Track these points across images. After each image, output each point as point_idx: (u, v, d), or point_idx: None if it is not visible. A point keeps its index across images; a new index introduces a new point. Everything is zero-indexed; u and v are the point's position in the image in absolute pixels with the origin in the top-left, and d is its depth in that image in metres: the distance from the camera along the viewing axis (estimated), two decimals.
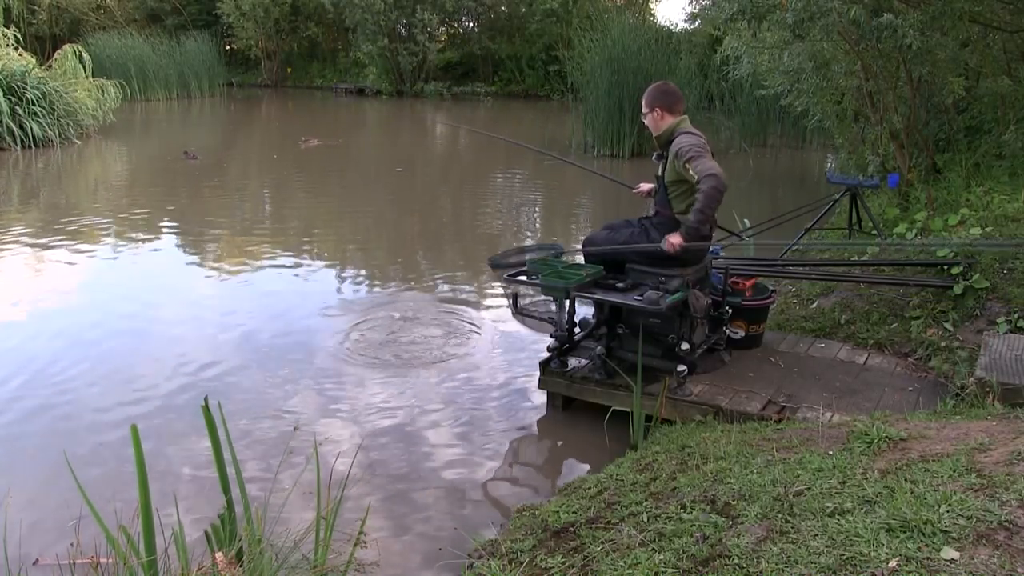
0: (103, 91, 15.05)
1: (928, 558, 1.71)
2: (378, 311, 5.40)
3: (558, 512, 2.59)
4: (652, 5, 27.18)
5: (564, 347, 3.89)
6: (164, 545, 1.99)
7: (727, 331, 4.06)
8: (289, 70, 30.59)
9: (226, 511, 2.13)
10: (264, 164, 13.03)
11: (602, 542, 2.25)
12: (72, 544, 2.18)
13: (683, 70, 13.47)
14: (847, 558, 1.78)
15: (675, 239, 3.43)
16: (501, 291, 5.38)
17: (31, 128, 12.60)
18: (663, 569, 1.98)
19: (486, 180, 11.77)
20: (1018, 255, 4.24)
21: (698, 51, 15.59)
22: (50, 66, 14.51)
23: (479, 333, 5.02)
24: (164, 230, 7.96)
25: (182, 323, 5.17)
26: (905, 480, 2.12)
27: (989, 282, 4.11)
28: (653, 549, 2.10)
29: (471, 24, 28.41)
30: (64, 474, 2.35)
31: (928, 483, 2.07)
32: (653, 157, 3.86)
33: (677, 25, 21.96)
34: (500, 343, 4.85)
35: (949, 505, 1.90)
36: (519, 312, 4.02)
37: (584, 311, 4.35)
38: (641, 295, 3.48)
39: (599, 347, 3.79)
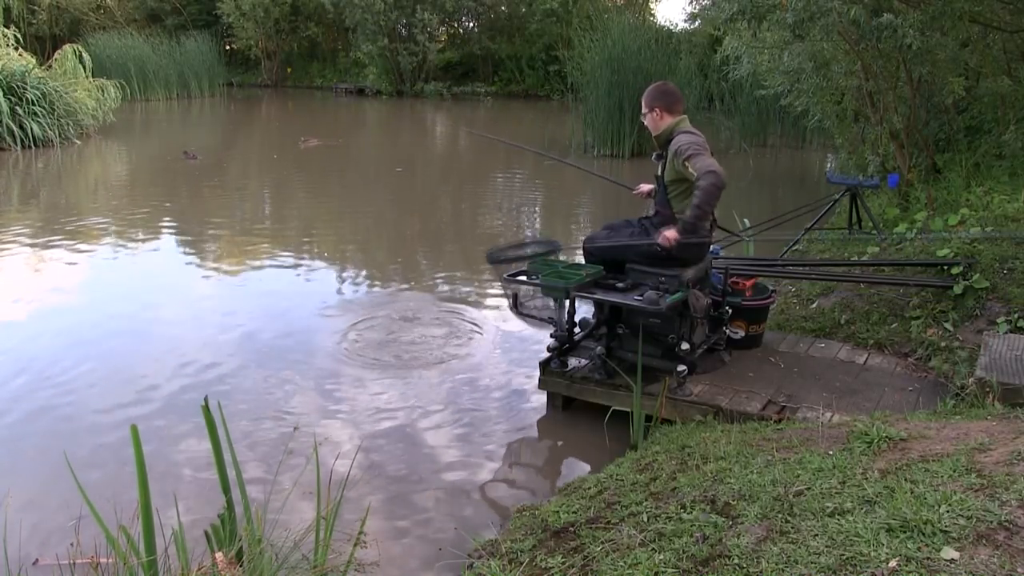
0: (103, 91, 15.05)
1: (928, 558, 1.71)
2: (378, 311, 5.40)
3: (558, 512, 2.59)
4: (652, 5, 27.21)
5: (564, 347, 3.89)
6: (164, 545, 1.99)
7: (727, 331, 4.06)
8: (289, 70, 30.59)
9: (226, 511, 2.13)
10: (264, 164, 13.03)
11: (602, 542, 2.25)
12: (72, 544, 2.18)
13: (683, 70, 13.47)
14: (847, 558, 1.78)
15: (670, 233, 3.44)
16: (501, 290, 5.39)
17: (31, 128, 12.59)
18: (663, 569, 1.98)
19: (486, 180, 11.77)
20: (1018, 255, 4.24)
21: (698, 51, 15.59)
22: (50, 66, 14.51)
23: (479, 333, 5.02)
24: (164, 230, 7.96)
25: (182, 323, 5.17)
26: (905, 480, 2.12)
27: (989, 282, 4.11)
28: (653, 549, 2.10)
29: (471, 24, 28.42)
30: (64, 474, 2.35)
31: (928, 483, 2.07)
32: (653, 157, 3.86)
33: (677, 25, 22.00)
34: (500, 343, 4.85)
35: (949, 505, 1.90)
36: (520, 311, 4.02)
37: (584, 310, 4.35)
38: (641, 295, 3.48)
39: (599, 347, 3.79)
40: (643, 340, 3.60)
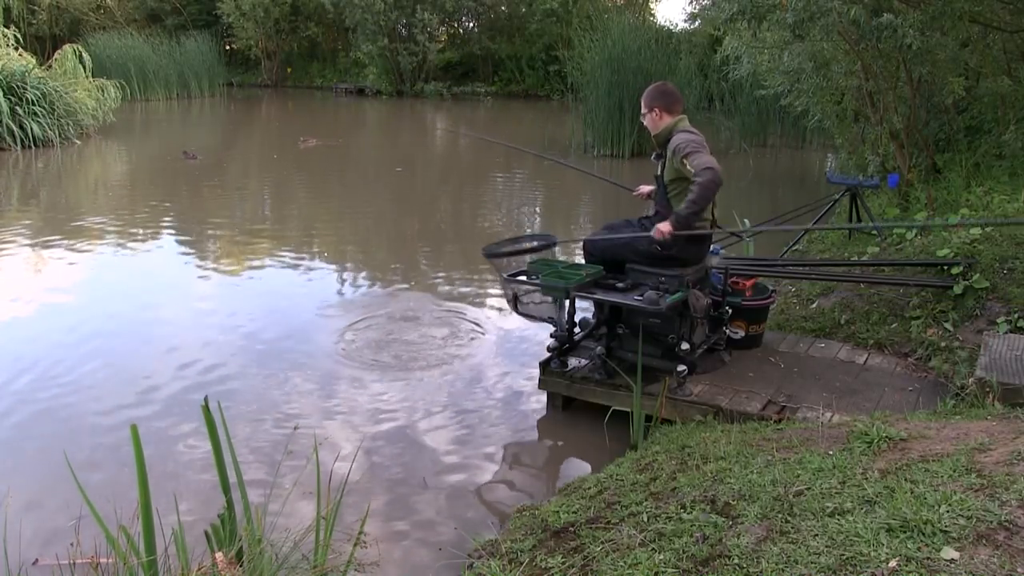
0: (103, 91, 15.05)
1: (928, 558, 1.71)
2: (378, 311, 5.40)
3: (558, 512, 2.59)
4: (652, 5, 27.21)
5: (564, 347, 3.89)
6: (164, 545, 1.99)
7: (727, 331, 4.06)
8: (289, 70, 30.59)
9: (226, 511, 2.13)
10: (264, 164, 13.03)
11: (602, 542, 2.25)
12: (72, 544, 2.18)
13: (683, 70, 13.48)
14: (847, 558, 1.78)
15: (664, 226, 3.45)
16: (500, 290, 5.39)
17: (31, 128, 12.59)
18: (663, 569, 1.98)
19: (486, 180, 11.77)
20: (1018, 255, 4.24)
21: (698, 51, 15.60)
22: (50, 66, 14.51)
23: (479, 333, 5.02)
24: (164, 230, 7.96)
25: (182, 323, 5.17)
26: (905, 480, 2.12)
27: (989, 282, 4.11)
28: (653, 549, 2.10)
29: (471, 24, 28.42)
30: (64, 474, 2.35)
31: (928, 483, 2.07)
32: (652, 157, 3.87)
33: (677, 25, 21.99)
34: (500, 343, 4.85)
35: (949, 505, 1.90)
36: (520, 311, 4.02)
37: (584, 306, 4.35)
38: (641, 295, 3.48)
39: (599, 347, 3.79)
40: (643, 340, 3.60)
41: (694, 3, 15.14)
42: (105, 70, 17.97)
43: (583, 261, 3.96)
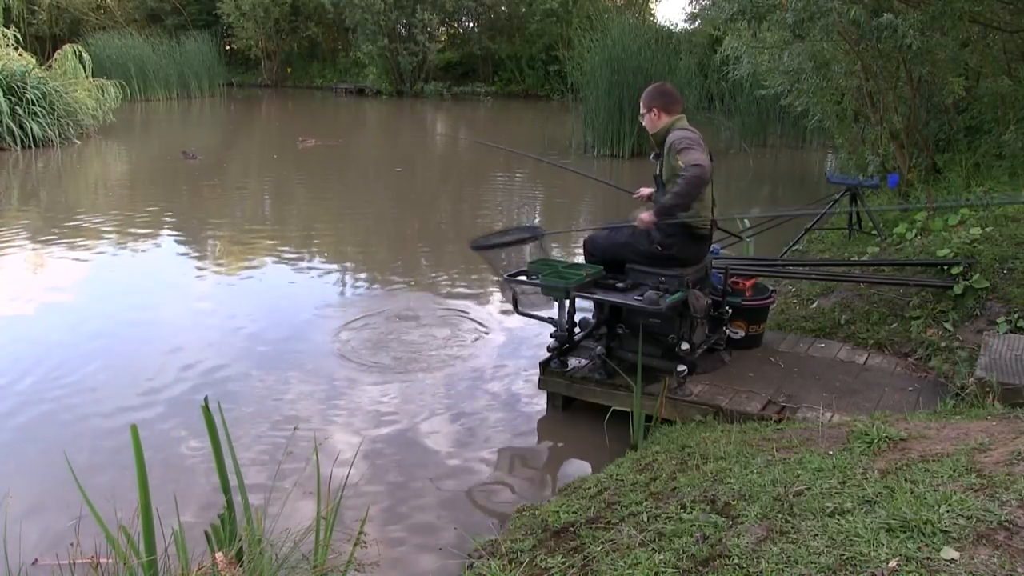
0: (103, 91, 15.06)
1: (928, 558, 1.71)
2: (378, 311, 5.40)
3: (558, 512, 2.59)
4: (652, 5, 27.23)
5: (564, 347, 3.89)
6: (164, 545, 1.99)
7: (727, 331, 4.06)
8: (289, 70, 30.60)
9: (226, 511, 2.13)
10: (264, 164, 13.03)
11: (602, 542, 2.25)
12: (72, 544, 2.17)
13: (683, 70, 13.48)
14: (847, 558, 1.78)
15: (646, 215, 3.50)
16: (500, 289, 5.40)
17: (31, 128, 12.60)
18: (663, 569, 1.98)
19: (486, 180, 11.77)
20: (1018, 255, 4.24)
21: (698, 51, 15.60)
22: (50, 66, 14.51)
23: (479, 332, 5.02)
24: (164, 230, 7.96)
25: (182, 323, 5.16)
26: (905, 480, 2.12)
27: (989, 282, 4.11)
28: (653, 549, 2.10)
29: (471, 24, 28.42)
30: (64, 474, 2.35)
31: (928, 483, 2.07)
32: (651, 157, 3.88)
33: (677, 25, 22.02)
34: (500, 342, 4.85)
35: (949, 505, 1.90)
36: (520, 310, 4.03)
37: (583, 308, 4.35)
38: (641, 295, 3.48)
39: (599, 347, 3.79)
40: (643, 340, 3.60)
41: (694, 3, 15.19)
42: (105, 70, 17.97)
43: (583, 261, 3.96)
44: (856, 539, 1.84)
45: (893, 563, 1.71)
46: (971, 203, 4.53)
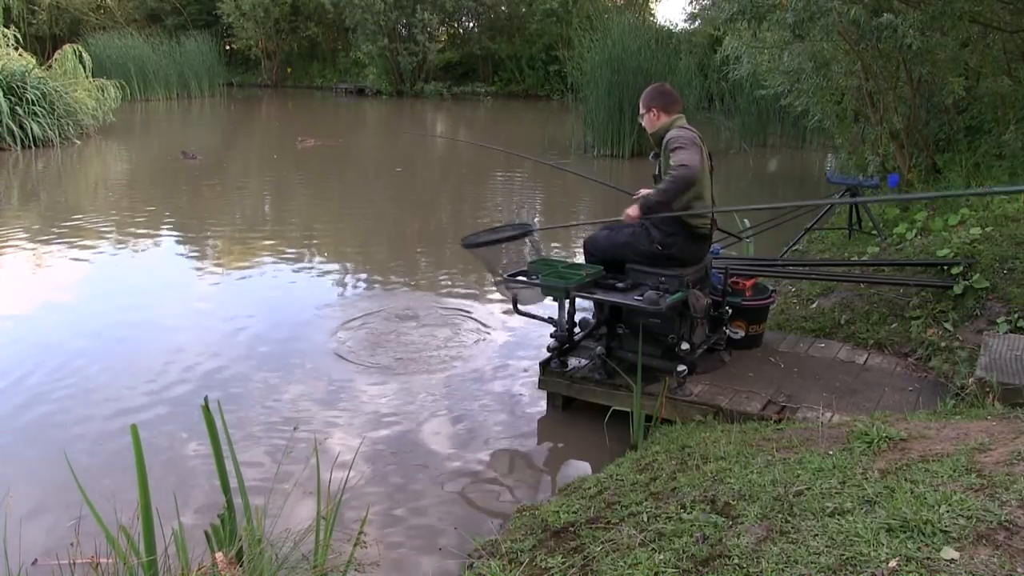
0: (103, 91, 15.06)
1: (928, 558, 1.71)
2: (378, 311, 5.40)
3: (558, 512, 2.59)
4: (652, 5, 27.23)
5: (564, 347, 3.89)
6: (164, 545, 1.99)
7: (727, 331, 4.05)
8: (289, 70, 30.60)
9: (226, 511, 2.13)
10: (264, 164, 13.03)
11: (602, 542, 2.25)
12: (72, 544, 2.17)
13: (683, 70, 13.48)
14: (847, 558, 1.78)
15: (632, 210, 3.55)
16: (497, 287, 5.39)
17: (31, 128, 12.60)
18: (663, 569, 1.98)
19: (486, 180, 11.77)
20: (1018, 255, 4.24)
21: (698, 51, 15.60)
22: (50, 66, 14.51)
23: (479, 332, 5.02)
24: (164, 230, 7.96)
25: (182, 323, 5.16)
26: (905, 480, 2.12)
27: (989, 282, 4.11)
28: (653, 549, 2.10)
29: (471, 24, 28.43)
30: (64, 474, 2.35)
31: (928, 483, 2.07)
32: (650, 157, 3.88)
33: (677, 25, 22.00)
34: (500, 342, 4.85)
35: (949, 505, 1.90)
36: (520, 310, 4.03)
37: (583, 308, 4.35)
38: (641, 295, 3.48)
39: (599, 347, 3.79)
40: (643, 340, 3.60)
41: (694, 3, 15.17)
42: (105, 70, 17.97)
43: (583, 261, 3.96)
44: (856, 539, 1.84)
45: (893, 563, 1.71)
46: (959, 194, 4.52)
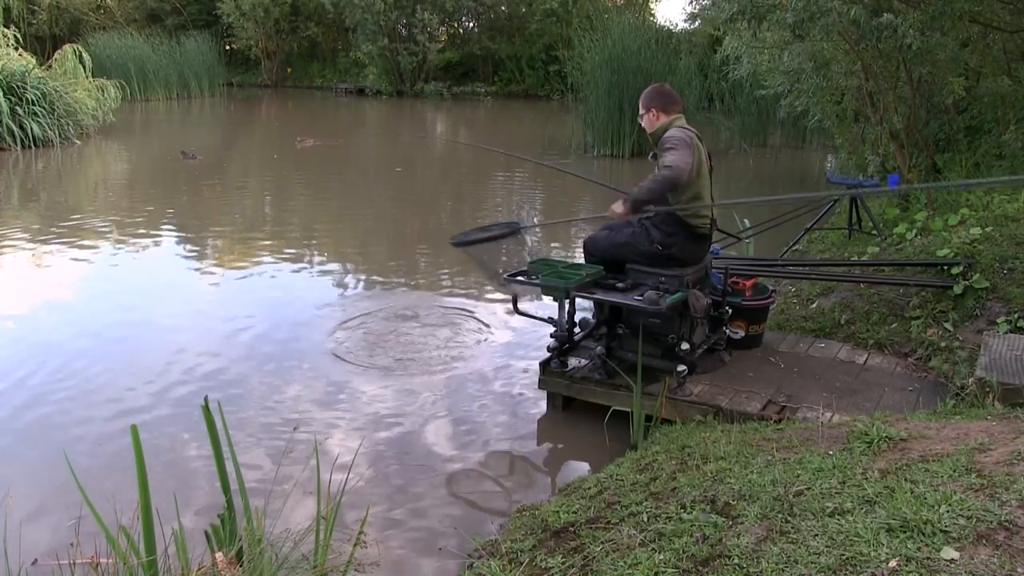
0: (103, 91, 15.06)
1: (928, 558, 1.71)
2: (378, 311, 5.40)
3: (558, 512, 2.59)
4: (652, 5, 27.24)
5: (564, 347, 3.89)
6: (164, 545, 1.99)
7: (727, 331, 4.06)
8: (289, 70, 30.60)
9: (226, 511, 2.13)
10: (264, 164, 13.03)
11: (602, 542, 2.25)
12: (72, 544, 2.17)
13: (683, 70, 13.48)
14: (847, 558, 1.78)
15: (617, 207, 3.54)
16: (502, 291, 5.39)
17: (31, 128, 12.60)
18: (663, 569, 1.98)
19: (486, 180, 11.77)
20: (1018, 255, 4.24)
21: (698, 51, 15.60)
22: (50, 66, 14.51)
23: (479, 332, 5.02)
24: (164, 230, 7.96)
25: (183, 324, 5.16)
26: (905, 480, 2.12)
27: (989, 282, 4.11)
28: (653, 549, 2.10)
29: (471, 24, 28.44)
30: (64, 475, 2.35)
31: (928, 483, 2.07)
32: (649, 157, 3.88)
33: (677, 25, 22.03)
34: (500, 342, 4.85)
35: (949, 505, 1.90)
36: (520, 310, 4.03)
37: (584, 308, 4.35)
38: (641, 295, 3.48)
39: (599, 347, 3.79)
40: (643, 340, 3.60)
41: (694, 3, 15.19)
42: (105, 70, 17.97)
43: (583, 261, 3.96)
44: (856, 539, 1.84)
45: (893, 563, 1.71)
46: (959, 185, 4.52)
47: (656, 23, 19.40)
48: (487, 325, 5.15)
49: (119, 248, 7.13)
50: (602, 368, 3.76)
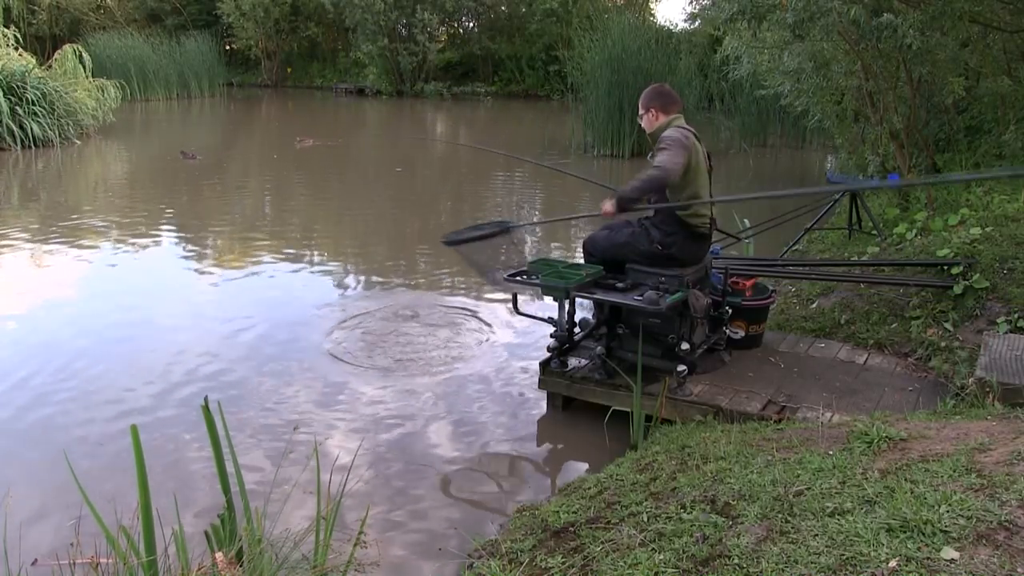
0: (103, 91, 15.06)
1: (928, 558, 1.71)
2: (377, 311, 5.40)
3: (558, 512, 2.59)
4: (652, 5, 27.24)
5: (564, 347, 3.89)
6: (164, 545, 1.99)
7: (727, 331, 4.06)
8: (289, 70, 30.61)
9: (226, 511, 2.13)
10: (264, 164, 13.03)
11: (602, 542, 2.25)
12: (72, 544, 2.17)
13: (683, 70, 13.48)
14: (847, 558, 1.78)
15: (607, 205, 3.55)
16: (503, 291, 5.39)
17: (31, 128, 12.60)
18: (663, 569, 1.98)
19: (486, 180, 11.77)
20: (1018, 255, 4.24)
21: (698, 51, 15.60)
22: (50, 66, 14.51)
23: (479, 332, 5.02)
24: (164, 230, 7.96)
25: (182, 324, 5.16)
26: (905, 480, 2.12)
27: (989, 282, 4.11)
28: (653, 549, 2.10)
29: (471, 24, 28.45)
30: (64, 474, 2.35)
31: (928, 483, 2.07)
32: (648, 156, 3.88)
33: (677, 25, 22.02)
34: (500, 342, 4.85)
35: (949, 505, 1.90)
36: (520, 310, 4.03)
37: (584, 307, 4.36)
38: (641, 295, 3.49)
39: (599, 347, 3.79)
40: (643, 340, 3.60)
41: (694, 3, 15.18)
42: (105, 70, 17.98)
43: (583, 261, 3.96)
44: (856, 539, 1.84)
45: (893, 563, 1.71)
46: (958, 180, 4.52)
47: (656, 23, 19.41)
48: (487, 325, 5.15)
49: (119, 248, 7.13)
50: (602, 368, 3.76)
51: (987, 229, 4.62)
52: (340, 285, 6.25)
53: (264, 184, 11.16)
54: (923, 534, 1.80)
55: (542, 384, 3.92)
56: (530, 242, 4.31)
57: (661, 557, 2.04)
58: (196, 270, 6.62)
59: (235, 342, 4.80)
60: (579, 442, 3.67)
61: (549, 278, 3.62)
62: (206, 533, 2.11)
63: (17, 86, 12.64)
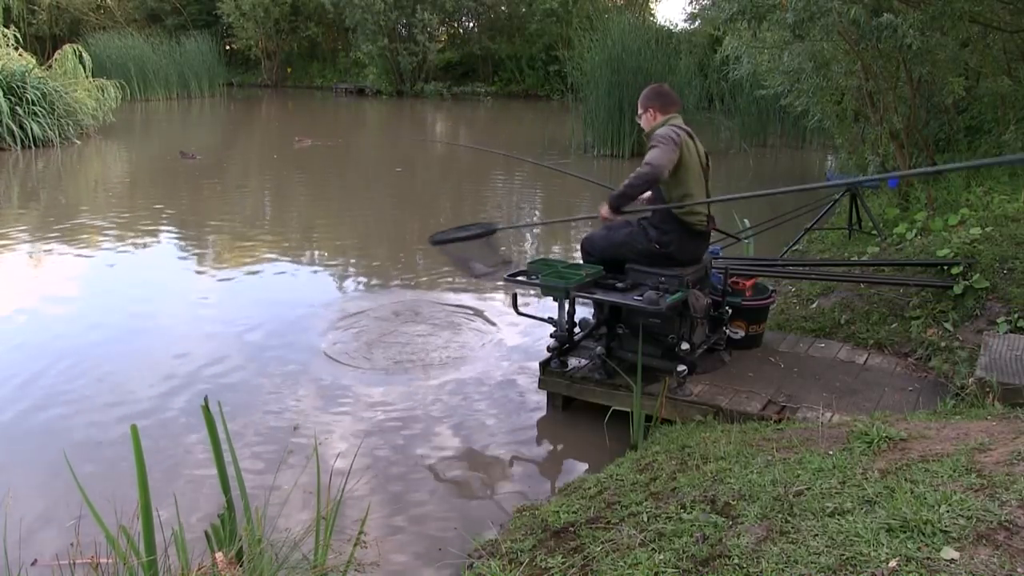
0: (103, 91, 15.06)
1: (928, 558, 1.71)
2: (377, 311, 5.40)
3: (558, 512, 2.59)
4: (652, 5, 27.23)
5: (564, 347, 3.89)
6: (164, 545, 1.99)
7: (727, 331, 4.06)
8: (289, 70, 30.61)
9: (226, 511, 2.13)
10: (264, 164, 13.03)
11: (602, 542, 2.25)
12: (72, 544, 2.18)
13: (683, 70, 13.48)
14: (847, 558, 1.78)
15: (603, 209, 3.59)
16: (503, 291, 5.41)
17: (31, 128, 12.60)
18: (663, 569, 1.98)
19: (486, 180, 11.77)
20: (1018, 255, 4.24)
21: (698, 51, 15.60)
22: (50, 66, 14.51)
23: (479, 332, 5.02)
24: (164, 230, 7.96)
25: (182, 324, 5.17)
26: (905, 480, 2.12)
27: (989, 282, 4.11)
28: (653, 549, 2.10)
29: (471, 24, 28.45)
30: (64, 474, 2.35)
31: (928, 483, 2.07)
32: None
33: (677, 25, 22.04)
34: (500, 343, 4.85)
35: (949, 505, 1.90)
36: (520, 310, 4.04)
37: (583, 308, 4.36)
38: (641, 295, 3.49)
39: (599, 347, 3.79)
40: (643, 340, 3.61)
41: (694, 3, 15.20)
42: (105, 70, 17.98)
43: (581, 261, 3.96)
44: (856, 539, 1.84)
45: (893, 563, 1.71)
46: (959, 168, 4.52)
47: (656, 23, 19.39)
48: (487, 325, 5.15)
49: (119, 249, 7.13)
50: (602, 368, 3.76)
51: (987, 229, 4.62)
52: (341, 286, 6.25)
53: (264, 184, 11.16)
54: (923, 534, 1.80)
55: (542, 384, 3.93)
56: (506, 245, 4.31)
57: (661, 557, 2.04)
58: (196, 270, 6.62)
59: (235, 342, 4.80)
60: (579, 442, 3.67)
61: (549, 278, 3.62)
62: (206, 533, 2.11)
63: (17, 86, 12.64)
